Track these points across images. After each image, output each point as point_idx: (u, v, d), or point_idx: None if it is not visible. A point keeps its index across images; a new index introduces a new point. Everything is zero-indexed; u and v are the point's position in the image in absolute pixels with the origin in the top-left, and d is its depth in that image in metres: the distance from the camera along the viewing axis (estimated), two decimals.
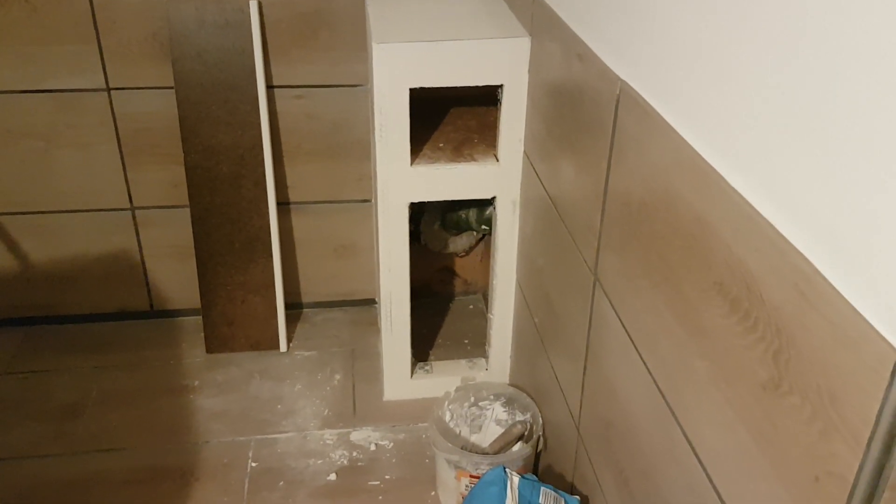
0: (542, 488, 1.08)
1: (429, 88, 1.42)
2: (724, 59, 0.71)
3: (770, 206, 0.65)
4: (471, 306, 2.13)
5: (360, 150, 1.87)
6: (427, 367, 1.79)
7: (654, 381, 0.89)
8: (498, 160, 1.52)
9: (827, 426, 0.58)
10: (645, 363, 0.92)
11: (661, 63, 0.85)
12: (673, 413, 0.84)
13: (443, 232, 1.97)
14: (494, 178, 1.53)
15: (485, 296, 2.11)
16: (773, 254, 0.64)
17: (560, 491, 1.10)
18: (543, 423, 1.42)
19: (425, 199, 1.55)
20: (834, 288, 0.57)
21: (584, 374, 1.16)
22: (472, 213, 1.81)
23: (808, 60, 0.59)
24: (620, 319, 0.99)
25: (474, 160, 1.54)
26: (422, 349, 1.92)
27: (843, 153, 0.56)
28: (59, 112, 1.72)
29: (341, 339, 1.98)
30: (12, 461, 1.56)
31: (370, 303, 2.10)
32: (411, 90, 1.42)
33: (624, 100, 0.95)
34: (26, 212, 1.82)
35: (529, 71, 1.42)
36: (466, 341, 1.96)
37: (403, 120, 1.45)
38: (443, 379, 1.75)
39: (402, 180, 1.51)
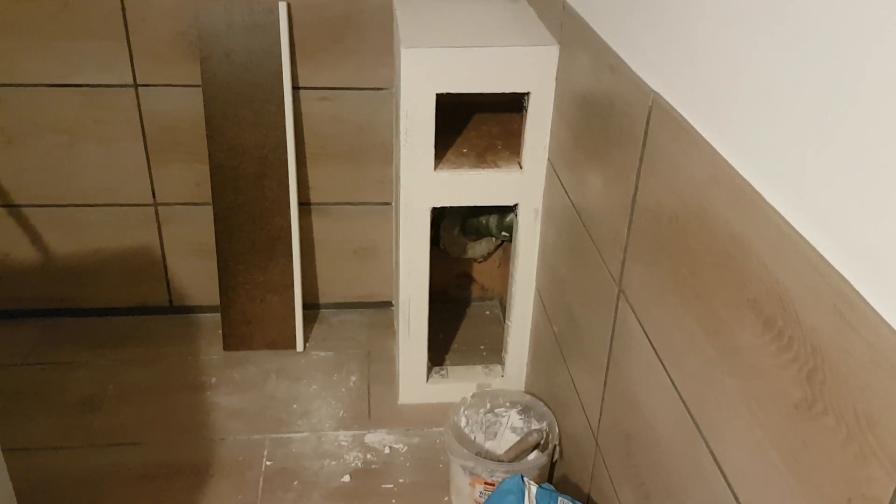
0: (560, 498, 1.08)
1: (453, 94, 1.43)
2: (765, 76, 0.71)
3: (810, 226, 0.65)
4: (487, 312, 2.13)
5: (383, 153, 1.88)
6: (443, 372, 1.79)
7: (680, 397, 0.88)
8: (521, 168, 1.52)
9: (863, 449, 0.57)
10: (670, 378, 0.91)
11: (698, 77, 0.85)
12: (699, 430, 0.84)
13: (462, 237, 1.97)
14: (518, 185, 1.53)
15: (501, 302, 2.11)
16: (811, 274, 0.63)
17: (577, 502, 1.09)
18: (560, 433, 1.41)
19: (448, 205, 1.55)
20: (874, 310, 0.56)
21: (604, 385, 1.16)
22: (493, 220, 1.81)
23: (854, 82, 0.58)
24: (646, 332, 0.99)
25: (498, 167, 1.54)
26: (438, 354, 1.92)
27: (884, 174, 0.55)
28: (86, 107, 1.73)
29: (357, 340, 1.98)
30: (29, 452, 1.57)
31: (387, 305, 2.10)
32: (437, 95, 1.42)
33: (656, 112, 0.95)
34: (50, 204, 1.84)
35: (557, 79, 1.42)
36: (482, 347, 1.96)
37: (429, 125, 1.45)
38: (458, 384, 1.75)
39: (426, 185, 1.51)
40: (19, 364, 1.83)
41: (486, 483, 1.36)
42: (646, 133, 0.98)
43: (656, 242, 0.95)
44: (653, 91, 0.96)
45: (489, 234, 1.86)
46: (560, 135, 1.41)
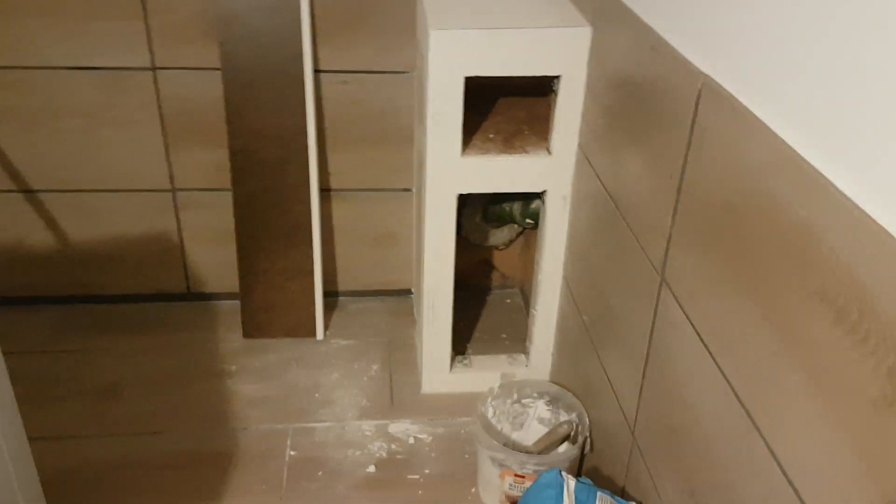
0: (599, 493, 1.05)
1: (477, 77, 1.39)
2: (833, 51, 0.67)
3: (886, 212, 0.61)
4: (508, 300, 2.10)
5: (404, 138, 1.84)
6: (466, 361, 1.76)
7: (733, 390, 0.85)
8: (550, 153, 1.48)
9: None
10: (721, 370, 0.88)
11: (753, 57, 0.81)
12: (754, 424, 0.81)
13: (484, 224, 1.93)
14: (546, 171, 1.49)
15: (522, 290, 2.08)
16: (889, 263, 0.60)
17: (616, 496, 1.07)
18: (590, 425, 1.38)
19: (475, 191, 1.52)
20: None
21: (643, 377, 1.13)
22: (517, 207, 1.77)
23: None
24: (692, 323, 0.96)
25: (526, 152, 1.50)
26: (459, 342, 1.89)
27: None
28: (104, 90, 1.70)
29: (378, 328, 1.95)
30: (49, 441, 1.55)
31: (406, 293, 2.08)
32: (465, 78, 1.38)
33: (707, 95, 0.91)
34: (67, 189, 1.81)
35: (589, 62, 1.37)
36: (504, 336, 1.93)
37: (457, 109, 1.42)
38: (482, 374, 1.73)
39: (453, 171, 1.48)
40: (38, 351, 1.81)
41: (515, 475, 1.33)
42: (694, 116, 0.94)
43: (707, 230, 0.92)
44: (702, 73, 0.92)
45: (512, 221, 1.82)
46: (592, 119, 1.37)
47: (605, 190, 1.28)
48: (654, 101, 1.07)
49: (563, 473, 1.06)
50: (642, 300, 1.12)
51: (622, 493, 1.22)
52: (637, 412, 1.16)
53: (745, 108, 0.82)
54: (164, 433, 1.59)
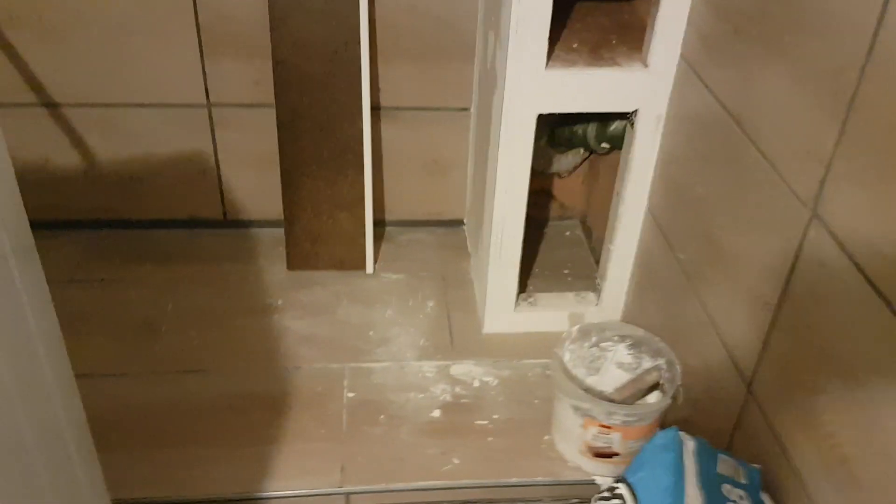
0: (720, 455, 0.93)
1: None
2: None
3: None
4: (567, 233, 1.95)
5: (464, 50, 1.65)
6: (531, 300, 1.62)
7: None
8: (647, 66, 1.30)
9: None
10: None
11: None
12: None
13: (548, 149, 1.76)
14: (640, 86, 1.31)
15: (584, 221, 1.92)
16: None
17: (739, 459, 0.94)
18: (684, 372, 1.26)
19: (557, 111, 1.34)
20: None
21: (771, 325, 0.99)
22: (592, 129, 1.59)
23: None
24: (860, 267, 0.80)
25: (617, 64, 1.31)
26: (519, 279, 1.75)
27: None
28: None
29: (429, 262, 1.81)
30: (88, 378, 1.43)
31: (458, 224, 1.93)
32: None
33: None
34: (94, 104, 1.64)
35: None
36: (566, 271, 1.79)
37: (543, 13, 1.22)
38: (548, 313, 1.60)
39: (534, 87, 1.30)
40: (65, 280, 1.68)
41: (601, 426, 1.22)
42: (880, 19, 0.76)
43: (891, 157, 0.75)
44: None
45: (584, 145, 1.65)
46: (704, 25, 1.18)
47: (725, 109, 1.10)
48: (811, 3, 0.88)
49: (682, 434, 0.94)
50: (777, 238, 0.96)
51: (728, 449, 1.11)
52: (758, 364, 1.02)
53: None
54: (210, 372, 1.47)
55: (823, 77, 0.86)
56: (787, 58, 0.94)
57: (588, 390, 1.34)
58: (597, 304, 1.60)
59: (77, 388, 0.94)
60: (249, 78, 1.62)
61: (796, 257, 0.93)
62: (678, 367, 1.26)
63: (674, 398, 1.22)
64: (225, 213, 1.83)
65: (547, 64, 1.28)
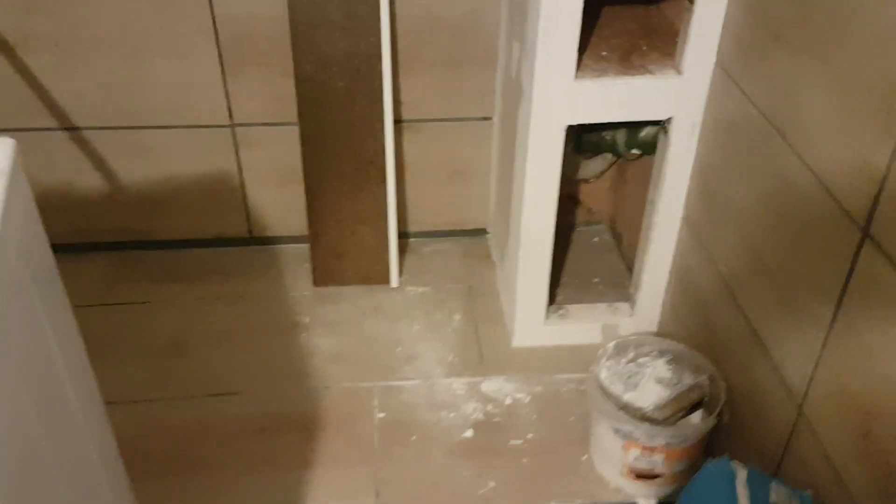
0: (773, 484, 0.90)
1: None
2: None
3: None
4: (596, 238, 1.91)
5: (486, 58, 1.62)
6: (561, 311, 1.59)
7: None
8: (680, 72, 1.25)
9: None
10: None
11: None
12: None
13: (575, 156, 1.72)
14: (674, 94, 1.27)
15: (613, 227, 1.88)
16: None
17: (792, 487, 0.91)
18: (729, 390, 1.21)
19: (587, 121, 1.31)
20: None
21: (823, 346, 0.94)
22: (621, 135, 1.55)
23: None
24: None
25: (649, 72, 1.27)
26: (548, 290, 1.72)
27: None
28: (153, 14, 1.49)
29: (454, 273, 1.79)
30: (118, 405, 1.42)
31: (481, 233, 1.90)
32: None
33: None
34: (115, 126, 1.63)
35: None
36: (596, 280, 1.75)
37: (572, 22, 1.19)
38: (580, 325, 1.57)
39: (563, 98, 1.26)
40: (94, 304, 1.68)
41: (643, 448, 1.18)
42: None
43: None
44: None
45: (614, 151, 1.60)
46: (741, 31, 1.13)
47: (766, 118, 1.06)
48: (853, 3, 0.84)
49: (734, 463, 0.90)
50: (827, 256, 0.92)
51: (776, 474, 1.07)
52: (810, 385, 0.98)
53: None
54: (241, 394, 1.46)
55: (875, 91, 0.82)
56: (833, 68, 0.90)
57: (626, 407, 1.30)
58: (631, 316, 1.57)
59: (107, 419, 0.93)
60: (272, 95, 1.60)
61: (848, 277, 0.88)
62: (723, 385, 1.22)
63: (719, 417, 1.18)
64: (250, 231, 1.81)
65: (576, 74, 1.25)
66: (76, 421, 0.83)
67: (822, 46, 0.91)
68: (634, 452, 1.20)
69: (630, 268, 1.64)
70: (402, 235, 1.86)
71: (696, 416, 1.23)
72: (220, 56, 1.54)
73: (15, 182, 0.64)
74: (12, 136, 0.66)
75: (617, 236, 1.85)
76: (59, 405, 0.78)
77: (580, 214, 1.93)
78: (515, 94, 1.41)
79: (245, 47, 1.53)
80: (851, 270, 0.88)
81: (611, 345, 1.32)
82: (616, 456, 1.23)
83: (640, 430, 1.17)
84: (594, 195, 1.89)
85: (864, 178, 0.84)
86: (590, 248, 1.88)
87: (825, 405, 0.95)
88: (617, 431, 1.20)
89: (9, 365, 0.63)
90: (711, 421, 1.17)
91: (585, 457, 1.34)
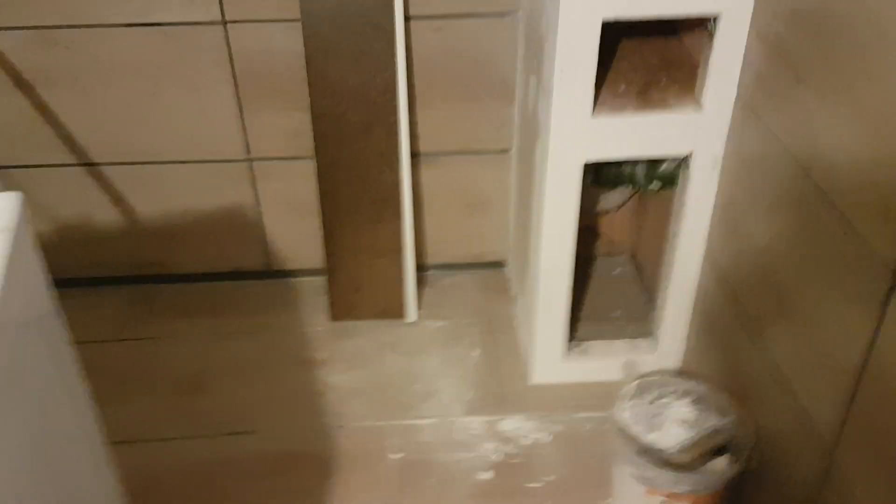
0: None
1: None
2: None
3: None
4: (616, 270, 1.87)
5: (502, 92, 1.60)
6: (581, 347, 1.56)
7: None
8: (701, 107, 1.23)
9: None
10: None
11: None
12: None
13: (594, 189, 1.70)
14: (694, 129, 1.24)
15: (634, 258, 1.85)
16: None
17: None
18: (757, 433, 1.17)
19: (604, 158, 1.29)
20: None
21: (853, 395, 0.90)
22: (641, 168, 1.52)
23: None
24: None
25: (668, 107, 1.25)
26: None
27: None
28: (169, 49, 1.50)
29: (472, 307, 1.76)
30: (131, 444, 1.41)
31: (499, 266, 1.87)
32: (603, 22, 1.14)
33: None
34: (132, 162, 1.64)
35: None
36: (617, 313, 1.72)
37: (589, 60, 1.17)
38: (600, 362, 1.53)
39: (580, 135, 1.24)
40: (109, 340, 1.67)
41: (667, 495, 1.14)
42: None
43: None
44: None
45: (634, 184, 1.58)
46: (761, 66, 1.11)
47: (791, 155, 1.03)
48: (875, 34, 0.81)
49: None
50: (855, 302, 0.89)
51: None
52: (842, 431, 0.94)
53: None
54: (258, 433, 1.44)
55: None
56: (859, 103, 0.87)
57: (649, 450, 1.26)
58: (652, 353, 1.53)
59: (110, 459, 0.91)
60: (289, 129, 1.60)
61: (879, 323, 0.85)
62: (750, 428, 1.18)
63: (747, 462, 1.14)
64: (268, 264, 1.81)
65: (593, 111, 1.23)
66: (79, 464, 0.82)
67: (847, 80, 0.89)
68: (658, 499, 1.16)
69: (652, 299, 1.60)
70: (420, 268, 1.84)
71: (721, 461, 1.19)
72: (236, 91, 1.55)
73: (19, 238, 0.64)
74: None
75: (638, 267, 1.82)
76: (61, 447, 0.77)
77: (601, 246, 1.90)
78: (533, 128, 1.39)
79: (261, 82, 1.54)
80: (882, 316, 0.84)
81: (633, 384, 1.29)
82: (639, 502, 1.19)
83: (664, 478, 1.13)
84: (615, 226, 1.86)
85: (894, 217, 0.81)
86: (610, 280, 1.85)
87: (861, 454, 0.91)
88: (639, 478, 1.16)
89: (13, 429, 0.62)
90: (738, 467, 1.13)
91: (608, 501, 1.30)
